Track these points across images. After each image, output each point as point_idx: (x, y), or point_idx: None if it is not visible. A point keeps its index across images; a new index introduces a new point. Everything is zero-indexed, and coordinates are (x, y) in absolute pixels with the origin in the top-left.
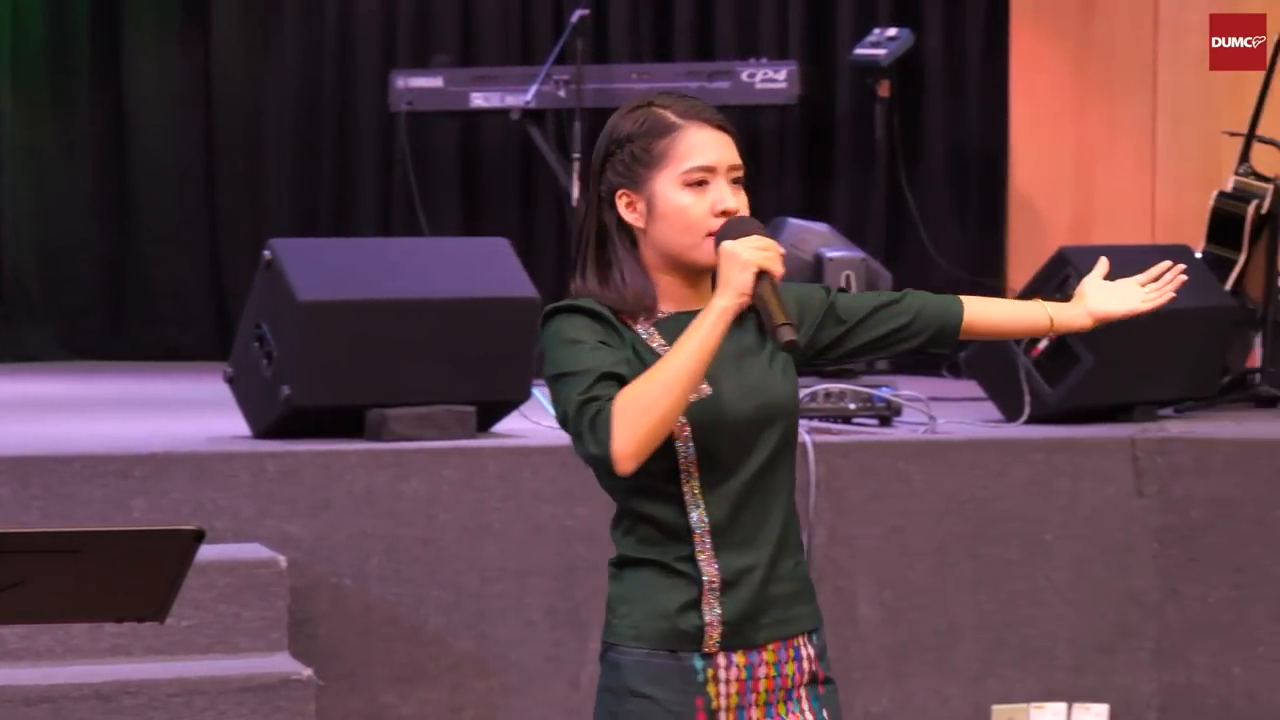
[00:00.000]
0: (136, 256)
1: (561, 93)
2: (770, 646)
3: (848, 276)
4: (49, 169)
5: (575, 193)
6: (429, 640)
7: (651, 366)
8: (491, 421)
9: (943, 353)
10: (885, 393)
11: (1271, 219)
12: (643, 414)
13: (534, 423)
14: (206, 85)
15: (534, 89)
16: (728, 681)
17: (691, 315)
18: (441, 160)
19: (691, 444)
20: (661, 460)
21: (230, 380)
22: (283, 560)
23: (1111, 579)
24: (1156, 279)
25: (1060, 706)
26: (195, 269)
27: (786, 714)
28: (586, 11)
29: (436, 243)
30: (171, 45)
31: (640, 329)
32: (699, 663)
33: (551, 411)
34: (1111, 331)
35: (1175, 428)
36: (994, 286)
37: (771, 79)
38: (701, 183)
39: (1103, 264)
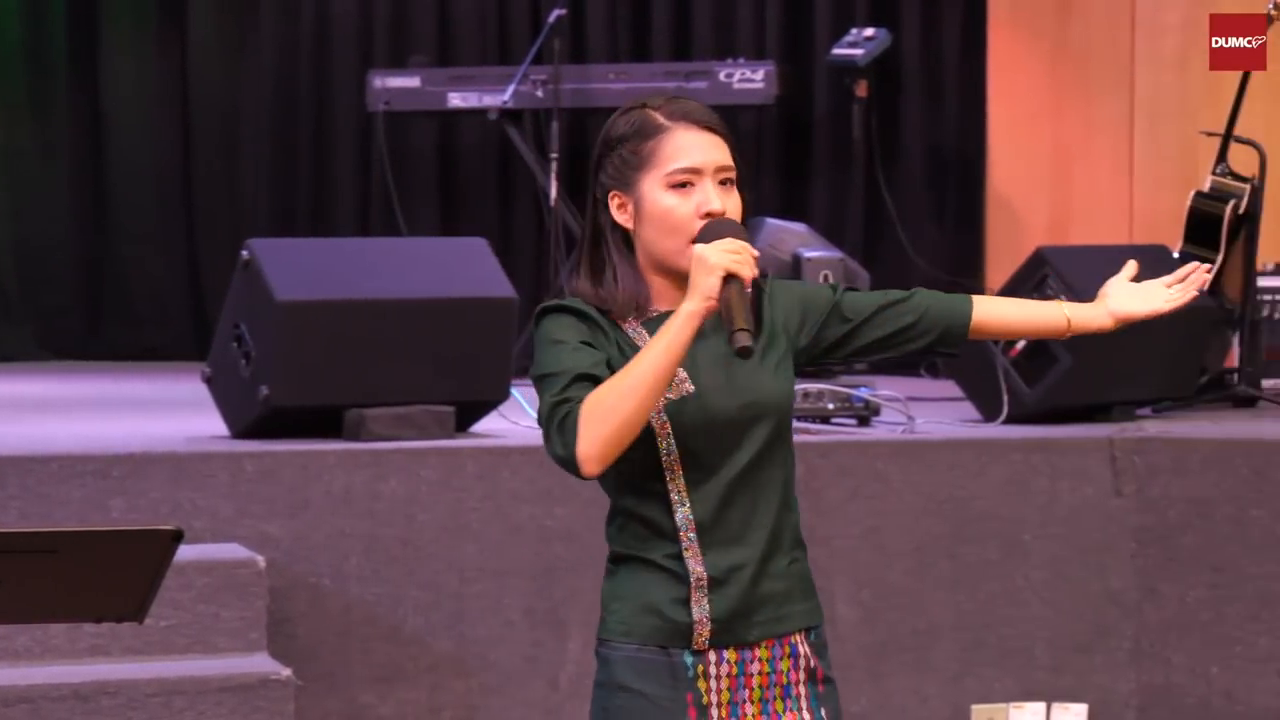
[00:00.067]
0: (114, 256)
1: (539, 93)
2: (764, 643)
3: (825, 276)
4: (26, 169)
5: (553, 192)
6: (408, 640)
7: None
8: (470, 421)
9: (953, 353)
10: (864, 393)
11: (1249, 219)
12: (606, 417)
13: (513, 423)
14: (183, 85)
15: (511, 89)
16: (719, 677)
17: None
18: (419, 160)
19: (673, 442)
20: (646, 458)
21: (208, 380)
22: (261, 560)
23: (1089, 579)
24: (1182, 279)
25: (1039, 706)
26: (173, 269)
27: (784, 711)
28: (564, 11)
29: (414, 243)
30: (148, 45)
31: (629, 329)
32: (689, 659)
33: (531, 412)
34: None
35: (1153, 428)
36: (972, 286)
37: (749, 79)
38: (686, 184)
39: (1131, 266)
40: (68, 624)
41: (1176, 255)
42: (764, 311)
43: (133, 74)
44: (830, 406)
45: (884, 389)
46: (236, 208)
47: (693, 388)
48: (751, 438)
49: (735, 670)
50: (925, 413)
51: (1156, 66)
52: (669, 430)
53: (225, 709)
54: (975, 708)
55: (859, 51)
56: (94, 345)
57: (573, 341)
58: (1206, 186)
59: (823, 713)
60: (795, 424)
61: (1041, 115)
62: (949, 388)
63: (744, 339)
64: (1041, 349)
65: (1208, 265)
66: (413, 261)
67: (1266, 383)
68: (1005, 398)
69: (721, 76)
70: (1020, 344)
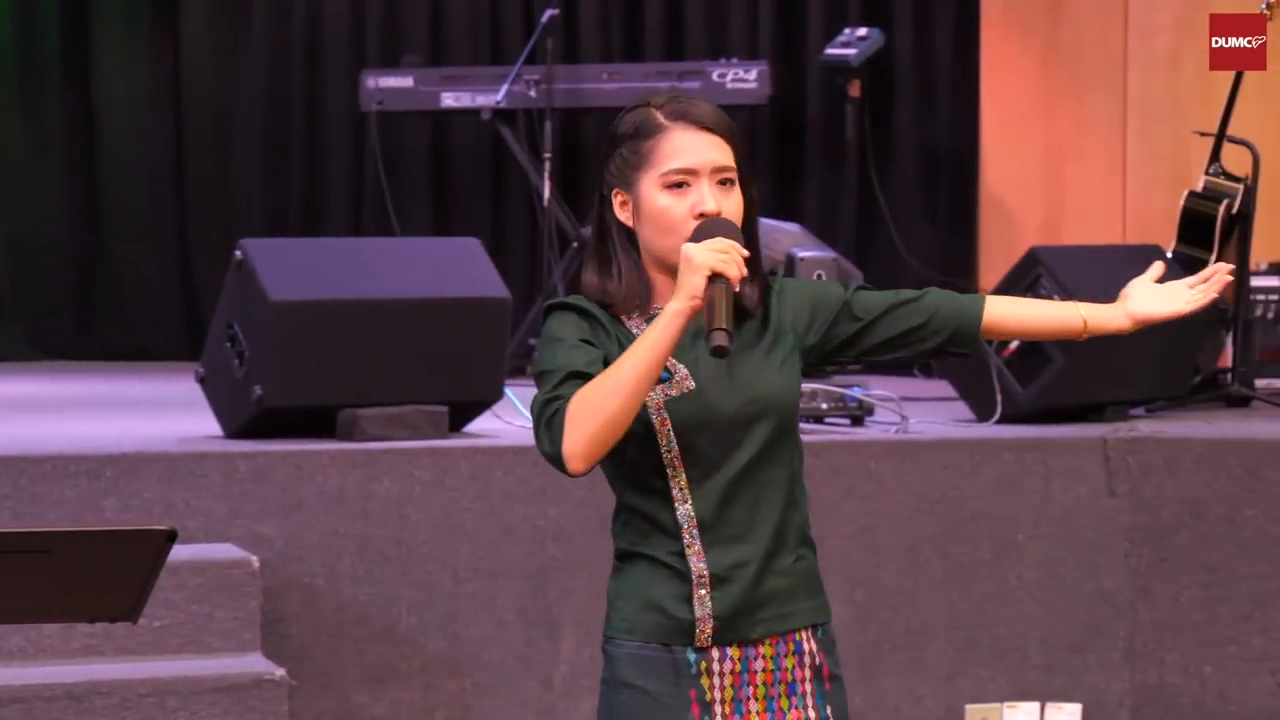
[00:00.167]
0: (106, 256)
1: (532, 92)
2: (768, 640)
3: (819, 276)
4: (18, 169)
5: (546, 192)
6: (401, 640)
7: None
8: (463, 421)
9: (965, 354)
10: (857, 392)
11: (1242, 219)
12: (590, 415)
13: (506, 423)
14: (176, 85)
15: (504, 89)
16: (721, 674)
17: None
18: (412, 160)
19: (674, 439)
20: (648, 455)
21: (201, 380)
22: (255, 560)
23: (1083, 578)
24: (1205, 280)
25: (1033, 706)
26: (165, 269)
27: (789, 708)
28: (556, 11)
29: (407, 243)
30: (141, 45)
31: (633, 325)
32: (692, 656)
33: (524, 412)
34: None
35: (1146, 427)
36: (965, 286)
37: (742, 79)
38: (682, 184)
39: (1157, 267)
40: (61, 624)
41: (1169, 255)
42: (771, 309)
43: (125, 74)
44: (824, 406)
45: (877, 389)
46: (229, 207)
47: (694, 384)
48: (753, 435)
49: (738, 667)
50: (919, 412)
51: (1149, 66)
52: (669, 427)
53: (219, 709)
54: (969, 707)
55: (852, 51)
56: (86, 345)
57: (571, 339)
58: (1199, 186)
59: (828, 710)
60: None
61: (1034, 115)
62: (942, 387)
63: (719, 338)
64: (1035, 348)
65: (1230, 266)
66: (406, 261)
67: (1260, 382)
68: (999, 397)
69: (714, 76)
70: (1014, 343)
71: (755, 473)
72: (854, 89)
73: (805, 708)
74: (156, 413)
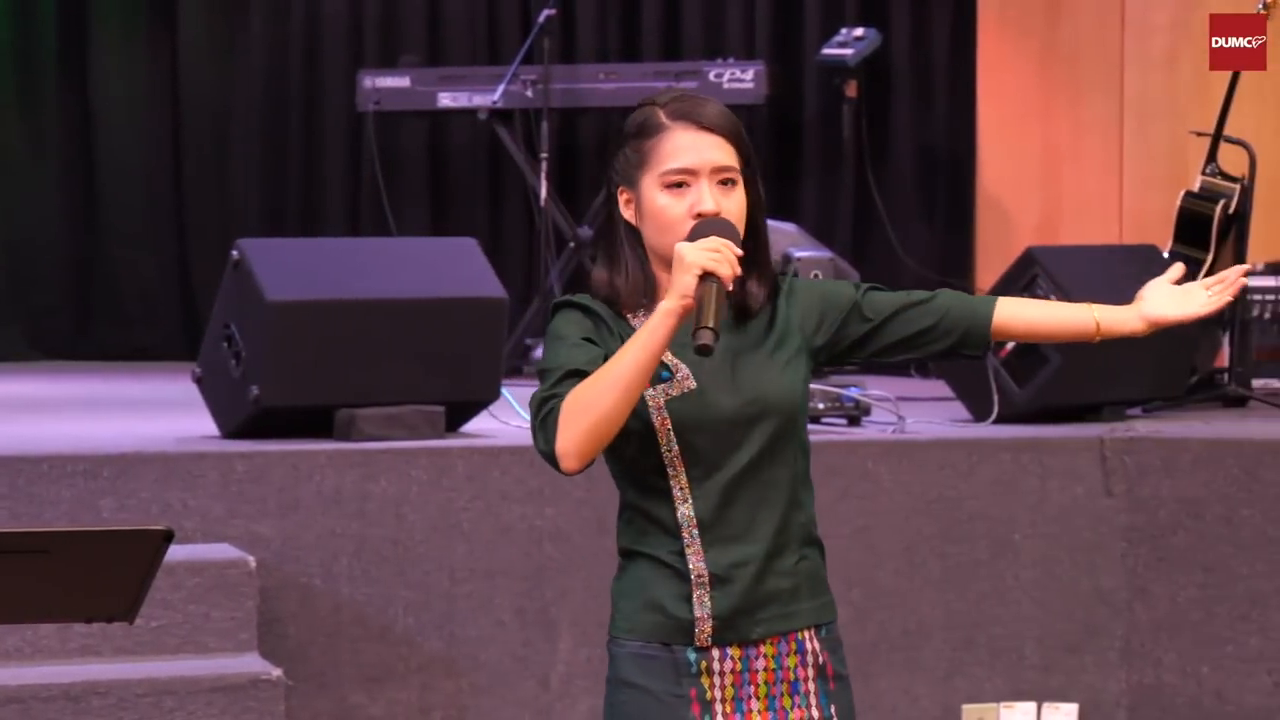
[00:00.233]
0: (103, 256)
1: (529, 93)
2: (769, 640)
3: (816, 276)
4: (15, 169)
5: (543, 192)
6: (398, 640)
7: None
8: (460, 421)
9: (976, 355)
10: (854, 392)
11: (1239, 219)
12: (583, 414)
13: (503, 423)
14: (173, 85)
15: (501, 89)
16: (722, 674)
17: None
18: (409, 160)
19: (674, 438)
20: (648, 455)
21: (199, 380)
22: (252, 560)
23: (1080, 578)
24: (1221, 281)
25: (1030, 706)
26: (162, 269)
27: (791, 708)
28: (554, 11)
29: (404, 243)
30: (138, 45)
31: (637, 323)
32: (692, 655)
33: (521, 412)
34: None
35: (1143, 427)
36: (962, 286)
37: (739, 79)
38: (681, 184)
39: (1177, 268)
40: (58, 624)
41: (1166, 255)
42: (779, 309)
43: (122, 74)
44: (820, 406)
45: (874, 389)
46: (226, 208)
47: (694, 384)
48: (754, 436)
49: (739, 667)
50: (915, 412)
51: (1146, 66)
52: (669, 426)
53: (216, 709)
54: (966, 707)
55: (849, 51)
56: (84, 345)
57: (572, 337)
58: (1196, 186)
59: (833, 710)
60: None
61: (1031, 115)
62: (939, 387)
63: (705, 337)
64: (1032, 348)
65: (1246, 268)
66: (403, 261)
67: (1257, 382)
68: (995, 397)
69: (711, 77)
70: (1010, 343)
71: (757, 473)
72: (851, 89)
73: (809, 707)
74: (154, 413)
